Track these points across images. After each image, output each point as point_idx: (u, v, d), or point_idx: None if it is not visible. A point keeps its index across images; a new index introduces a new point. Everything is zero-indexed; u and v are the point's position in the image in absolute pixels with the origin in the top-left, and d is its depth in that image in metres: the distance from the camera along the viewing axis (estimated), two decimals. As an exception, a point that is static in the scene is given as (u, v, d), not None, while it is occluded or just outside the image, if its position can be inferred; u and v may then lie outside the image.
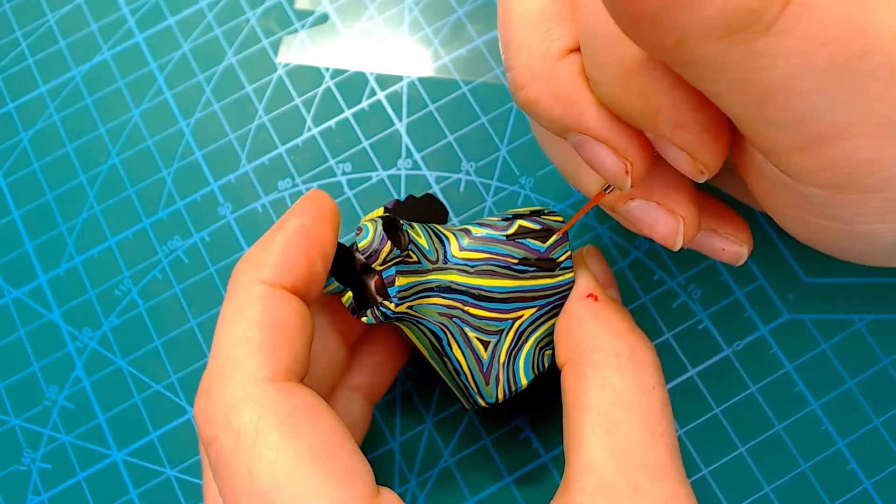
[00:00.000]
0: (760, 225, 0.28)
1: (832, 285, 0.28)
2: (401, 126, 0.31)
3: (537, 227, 0.23)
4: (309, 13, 0.32)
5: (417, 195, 0.24)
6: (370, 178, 0.30)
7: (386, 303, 0.21)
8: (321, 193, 0.22)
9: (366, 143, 0.31)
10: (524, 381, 0.23)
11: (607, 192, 0.20)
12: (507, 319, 0.22)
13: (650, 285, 0.28)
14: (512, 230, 0.22)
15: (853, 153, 0.15)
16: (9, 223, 0.31)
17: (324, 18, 0.32)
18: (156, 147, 0.31)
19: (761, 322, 0.27)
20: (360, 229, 0.21)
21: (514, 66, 0.19)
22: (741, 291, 0.28)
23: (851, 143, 0.15)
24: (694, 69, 0.15)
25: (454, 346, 0.22)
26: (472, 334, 0.22)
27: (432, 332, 0.22)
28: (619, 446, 0.19)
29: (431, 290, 0.22)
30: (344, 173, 0.30)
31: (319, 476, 0.17)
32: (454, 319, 0.22)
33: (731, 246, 0.22)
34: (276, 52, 0.32)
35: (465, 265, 0.22)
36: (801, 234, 0.19)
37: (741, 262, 0.22)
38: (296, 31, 0.32)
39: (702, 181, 0.18)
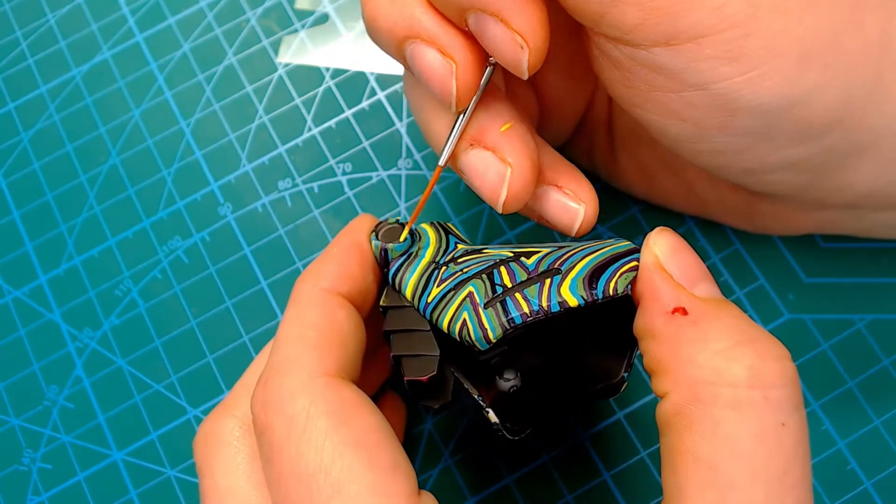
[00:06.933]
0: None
1: (832, 285, 0.28)
2: (401, 126, 0.31)
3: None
4: (309, 13, 0.32)
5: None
6: (370, 178, 0.30)
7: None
8: (370, 216, 0.24)
9: (366, 143, 0.31)
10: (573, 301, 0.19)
11: (441, 160, 0.21)
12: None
13: (650, 285, 0.28)
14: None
15: None
16: (9, 223, 0.31)
17: (324, 18, 0.32)
18: (156, 147, 0.31)
19: (761, 322, 0.27)
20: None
21: None
22: (741, 291, 0.28)
23: None
24: None
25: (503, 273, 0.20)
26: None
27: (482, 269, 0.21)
28: None
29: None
30: (344, 173, 0.30)
31: (362, 463, 0.18)
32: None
33: (569, 204, 0.21)
34: (276, 52, 0.32)
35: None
36: (666, 127, 0.20)
37: (578, 223, 0.21)
38: (296, 31, 0.32)
39: (525, 73, 0.18)
